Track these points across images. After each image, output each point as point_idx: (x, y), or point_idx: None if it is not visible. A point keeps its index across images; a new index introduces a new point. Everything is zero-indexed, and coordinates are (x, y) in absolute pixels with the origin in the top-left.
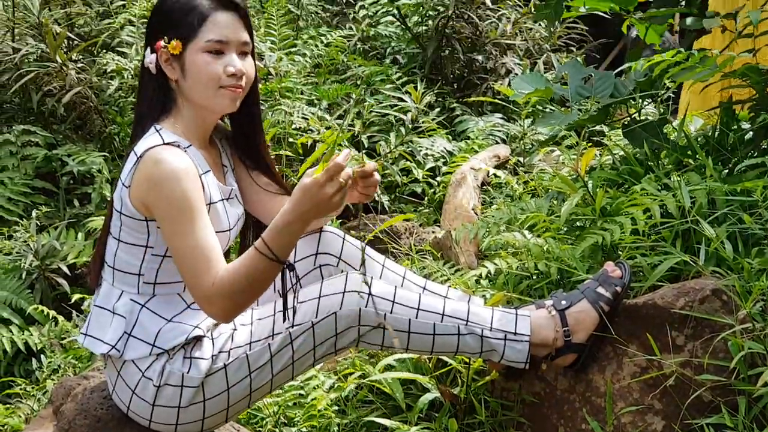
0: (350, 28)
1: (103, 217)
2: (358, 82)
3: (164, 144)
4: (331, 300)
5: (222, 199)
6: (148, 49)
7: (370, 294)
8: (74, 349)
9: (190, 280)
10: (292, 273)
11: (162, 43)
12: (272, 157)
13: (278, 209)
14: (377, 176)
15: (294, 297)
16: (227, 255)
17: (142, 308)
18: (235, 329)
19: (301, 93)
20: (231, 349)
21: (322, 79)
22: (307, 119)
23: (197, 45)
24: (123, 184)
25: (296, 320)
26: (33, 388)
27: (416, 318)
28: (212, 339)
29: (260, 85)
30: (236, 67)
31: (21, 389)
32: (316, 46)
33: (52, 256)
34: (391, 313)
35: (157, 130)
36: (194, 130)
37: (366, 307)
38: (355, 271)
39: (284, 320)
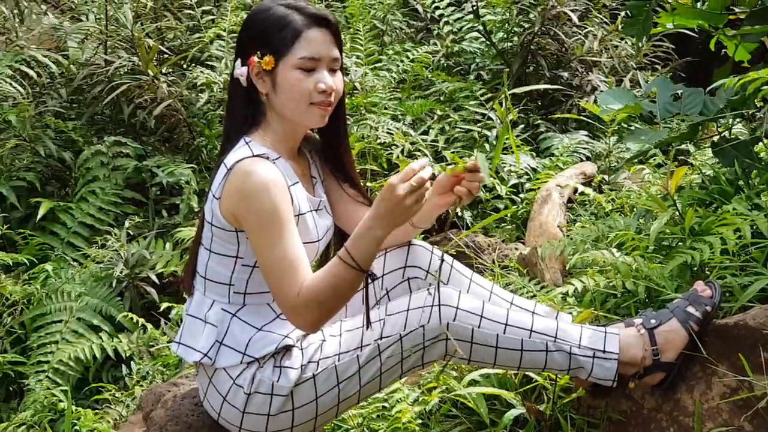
0: (434, 44)
1: (191, 228)
2: (442, 98)
3: (253, 156)
4: (420, 313)
5: (311, 210)
6: (239, 62)
7: (457, 308)
8: (162, 356)
9: (277, 290)
10: (375, 283)
11: (255, 58)
12: (357, 170)
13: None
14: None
15: (379, 307)
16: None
17: (233, 317)
18: (324, 340)
19: (386, 108)
20: (320, 359)
21: (406, 95)
22: (392, 134)
23: (290, 61)
24: (213, 195)
25: (385, 332)
26: (122, 394)
27: (504, 333)
28: (302, 349)
29: (346, 100)
30: (327, 84)
31: (110, 395)
32: (402, 61)
33: (141, 264)
34: (478, 327)
35: (247, 143)
36: (283, 142)
37: (454, 321)
38: (444, 285)
39: (367, 328)
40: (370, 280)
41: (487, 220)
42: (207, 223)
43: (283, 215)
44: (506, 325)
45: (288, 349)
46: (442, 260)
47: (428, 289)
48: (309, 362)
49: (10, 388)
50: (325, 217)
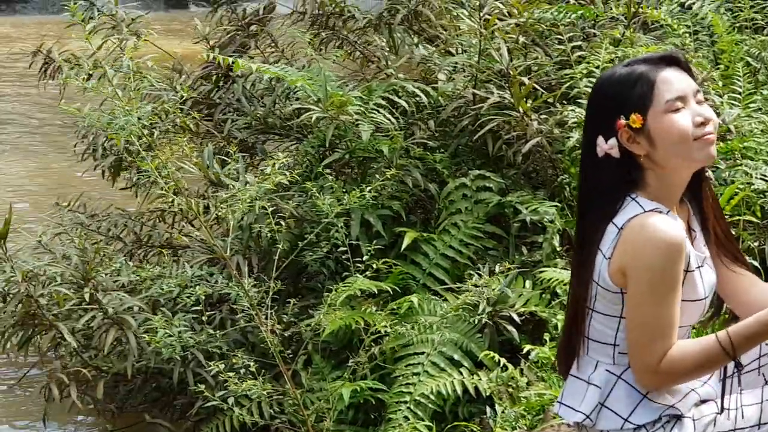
0: None
1: (554, 269)
2: None
3: (646, 211)
4: None
5: (698, 267)
6: (600, 139)
7: None
8: (522, 399)
9: (639, 349)
10: (737, 371)
11: (622, 121)
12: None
13: (740, 289)
14: None
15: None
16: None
17: (618, 380)
18: (718, 413)
19: (757, 152)
20: None
21: None
22: (767, 180)
23: (656, 110)
24: (603, 255)
25: None
26: None
27: None
28: (694, 420)
29: (720, 144)
30: (704, 114)
31: None
32: None
33: (502, 302)
34: None
35: (633, 198)
36: (667, 196)
37: None
38: None
39: (721, 412)
40: (736, 370)
41: None
42: (592, 281)
43: (674, 277)
44: None
45: (678, 419)
46: None
47: None
48: None
49: (371, 415)
50: (709, 273)
